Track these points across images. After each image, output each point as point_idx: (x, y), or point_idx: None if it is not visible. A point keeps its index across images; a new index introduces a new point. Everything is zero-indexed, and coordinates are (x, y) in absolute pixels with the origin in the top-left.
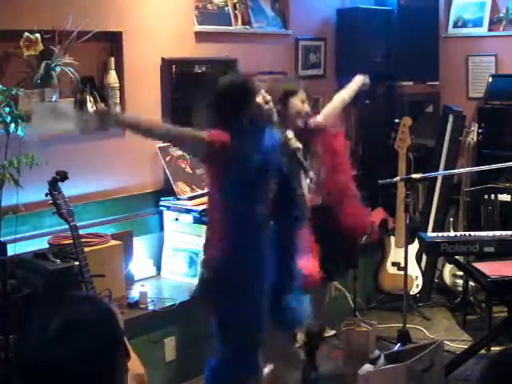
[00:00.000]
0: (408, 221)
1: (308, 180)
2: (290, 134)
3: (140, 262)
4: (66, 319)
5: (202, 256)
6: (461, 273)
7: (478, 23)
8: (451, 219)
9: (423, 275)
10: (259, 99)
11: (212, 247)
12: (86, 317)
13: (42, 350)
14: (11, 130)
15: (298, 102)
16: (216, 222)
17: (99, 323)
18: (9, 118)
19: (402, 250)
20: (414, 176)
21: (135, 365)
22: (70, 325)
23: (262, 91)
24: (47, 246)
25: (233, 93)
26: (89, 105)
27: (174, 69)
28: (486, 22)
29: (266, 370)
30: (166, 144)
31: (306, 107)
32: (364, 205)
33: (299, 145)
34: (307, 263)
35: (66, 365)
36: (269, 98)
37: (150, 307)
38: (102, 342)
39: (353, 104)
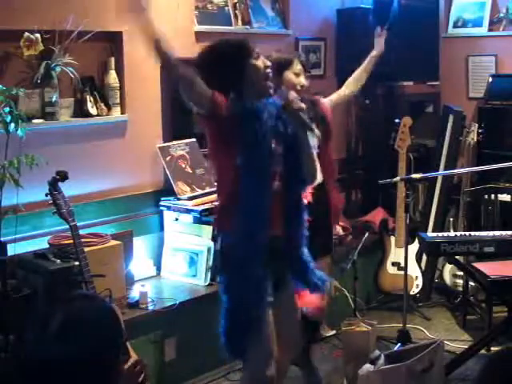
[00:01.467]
0: (408, 221)
1: (315, 138)
2: (292, 94)
3: (140, 262)
4: (67, 317)
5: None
6: (461, 273)
7: (478, 23)
8: (451, 219)
9: (423, 275)
10: (259, 62)
11: (225, 215)
12: (87, 315)
13: (42, 348)
14: (11, 130)
15: (292, 75)
16: (225, 188)
17: (101, 322)
18: (9, 118)
19: (402, 249)
20: (414, 176)
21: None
22: (72, 323)
23: (263, 57)
24: (47, 246)
25: (229, 52)
26: (89, 105)
27: None
28: (486, 22)
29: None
30: (165, 144)
31: (302, 80)
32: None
33: (302, 105)
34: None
35: (66, 363)
36: (269, 63)
37: (150, 307)
38: (102, 340)
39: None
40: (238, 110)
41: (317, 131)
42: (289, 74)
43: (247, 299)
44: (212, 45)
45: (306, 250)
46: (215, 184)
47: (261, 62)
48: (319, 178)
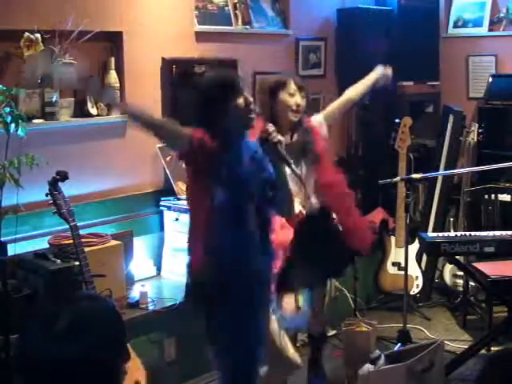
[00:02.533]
0: (408, 221)
1: (291, 172)
2: (270, 127)
3: (140, 262)
4: (74, 317)
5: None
6: (461, 273)
7: (478, 23)
8: (451, 219)
9: (423, 275)
10: (240, 100)
11: (197, 249)
12: (93, 315)
13: (49, 348)
14: (11, 130)
15: (286, 96)
16: (199, 223)
17: (106, 321)
18: (9, 118)
19: (403, 249)
20: (415, 176)
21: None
22: (79, 323)
23: (245, 93)
24: (47, 246)
25: (211, 91)
26: (89, 105)
27: (174, 69)
28: (486, 22)
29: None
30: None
31: (297, 100)
32: (358, 205)
33: (280, 137)
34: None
35: (72, 362)
36: (251, 99)
37: (151, 307)
38: (108, 339)
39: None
40: (217, 151)
41: (293, 166)
42: (283, 95)
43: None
44: (198, 83)
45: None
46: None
47: (242, 100)
48: (314, 204)
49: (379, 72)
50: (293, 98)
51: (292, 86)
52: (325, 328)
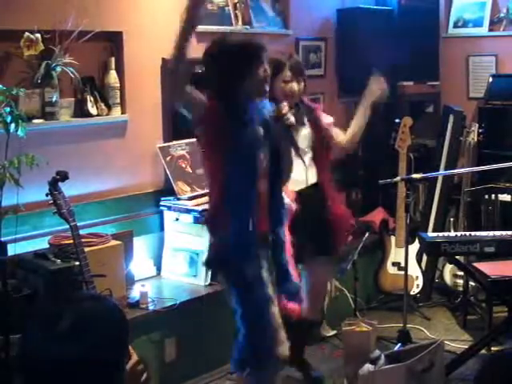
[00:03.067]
0: (408, 221)
1: (300, 159)
2: (284, 108)
3: (140, 262)
4: (77, 317)
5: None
6: (461, 273)
7: (478, 23)
8: (451, 219)
9: (423, 275)
10: (261, 69)
11: (215, 214)
12: (97, 315)
13: (47, 348)
14: (11, 130)
15: (281, 83)
16: (216, 191)
17: (110, 321)
18: (9, 118)
19: (403, 249)
20: (415, 176)
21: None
22: (82, 323)
23: (265, 64)
24: (47, 245)
25: (238, 53)
26: (89, 105)
27: None
28: (486, 22)
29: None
30: (166, 144)
31: (293, 86)
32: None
33: (293, 120)
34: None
35: (75, 362)
36: (269, 72)
37: (151, 307)
38: (112, 339)
39: None
40: (229, 118)
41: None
42: (277, 82)
43: (262, 305)
44: (224, 42)
45: (285, 255)
46: (207, 186)
47: (262, 72)
48: (312, 178)
49: (373, 96)
50: (287, 84)
51: (287, 73)
52: (317, 318)
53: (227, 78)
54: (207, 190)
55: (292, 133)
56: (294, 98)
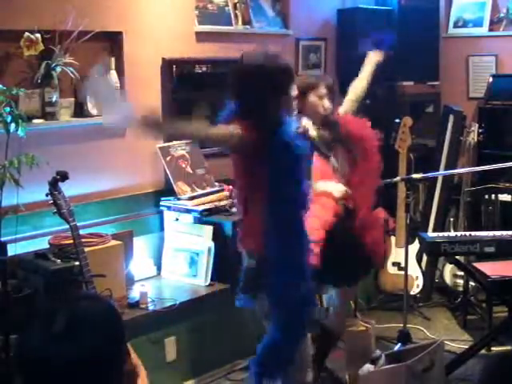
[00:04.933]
0: (408, 221)
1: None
2: (307, 122)
3: (140, 262)
4: (73, 317)
5: (242, 248)
6: (461, 273)
7: (478, 23)
8: (452, 219)
9: (423, 275)
10: (293, 91)
11: (253, 236)
12: (93, 314)
13: (48, 348)
14: (11, 130)
15: (315, 98)
16: (255, 212)
17: (106, 321)
18: (9, 118)
19: (403, 250)
20: (415, 176)
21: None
22: (78, 323)
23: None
24: (48, 246)
25: (275, 80)
26: (89, 105)
27: (174, 69)
28: (486, 22)
29: None
30: (166, 144)
31: (325, 103)
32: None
33: (315, 133)
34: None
35: (72, 362)
36: (295, 88)
37: (151, 307)
38: (108, 340)
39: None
40: (270, 143)
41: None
42: (312, 97)
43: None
44: (254, 65)
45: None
46: (236, 204)
47: (294, 92)
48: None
49: (372, 63)
50: (321, 100)
51: (322, 90)
52: (342, 331)
53: (268, 101)
54: (238, 208)
55: (316, 144)
56: (325, 115)
